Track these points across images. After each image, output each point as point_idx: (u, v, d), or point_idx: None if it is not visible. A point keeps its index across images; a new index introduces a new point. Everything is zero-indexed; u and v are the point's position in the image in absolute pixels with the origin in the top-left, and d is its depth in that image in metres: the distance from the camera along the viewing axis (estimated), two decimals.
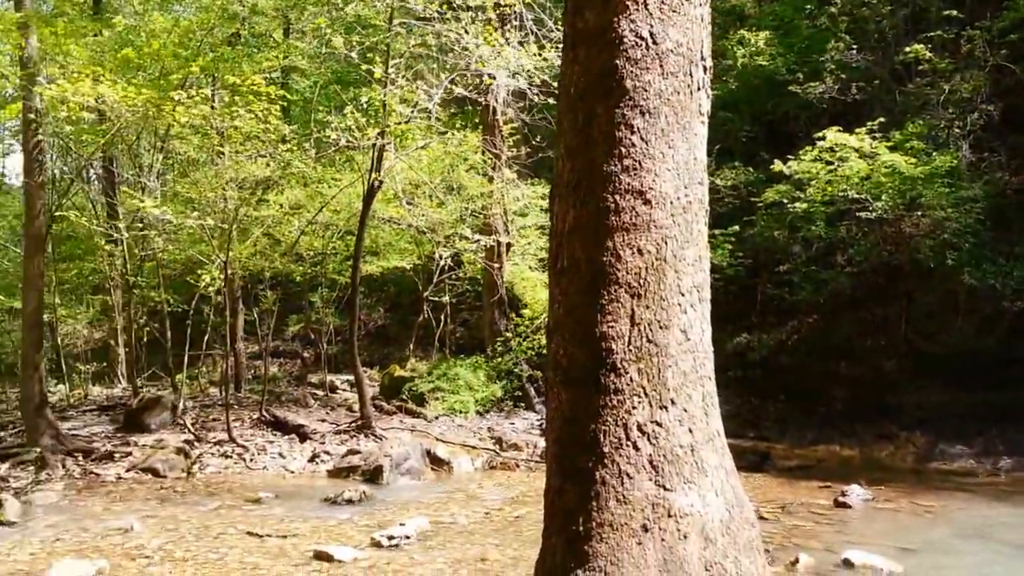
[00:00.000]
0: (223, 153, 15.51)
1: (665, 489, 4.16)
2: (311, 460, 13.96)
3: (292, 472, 13.57)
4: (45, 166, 15.06)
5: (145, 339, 19.22)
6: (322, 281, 19.46)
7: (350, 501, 11.12)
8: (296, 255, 18.08)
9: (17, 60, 14.46)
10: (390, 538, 8.85)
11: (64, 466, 13.29)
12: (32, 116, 14.01)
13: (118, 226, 17.59)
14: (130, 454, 13.93)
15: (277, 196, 16.87)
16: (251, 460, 13.92)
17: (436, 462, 13.63)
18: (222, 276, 15.76)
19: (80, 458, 13.70)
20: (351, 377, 17.47)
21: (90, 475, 13.11)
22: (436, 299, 19.53)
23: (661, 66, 4.28)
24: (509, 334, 17.60)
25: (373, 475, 12.60)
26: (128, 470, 13.28)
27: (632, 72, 4.26)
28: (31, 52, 13.91)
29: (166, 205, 16.06)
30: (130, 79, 14.21)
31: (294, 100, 20.83)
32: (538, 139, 18.23)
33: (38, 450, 13.46)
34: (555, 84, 14.98)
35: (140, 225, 17.55)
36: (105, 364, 20.32)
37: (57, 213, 16.58)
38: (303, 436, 14.96)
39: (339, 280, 19.07)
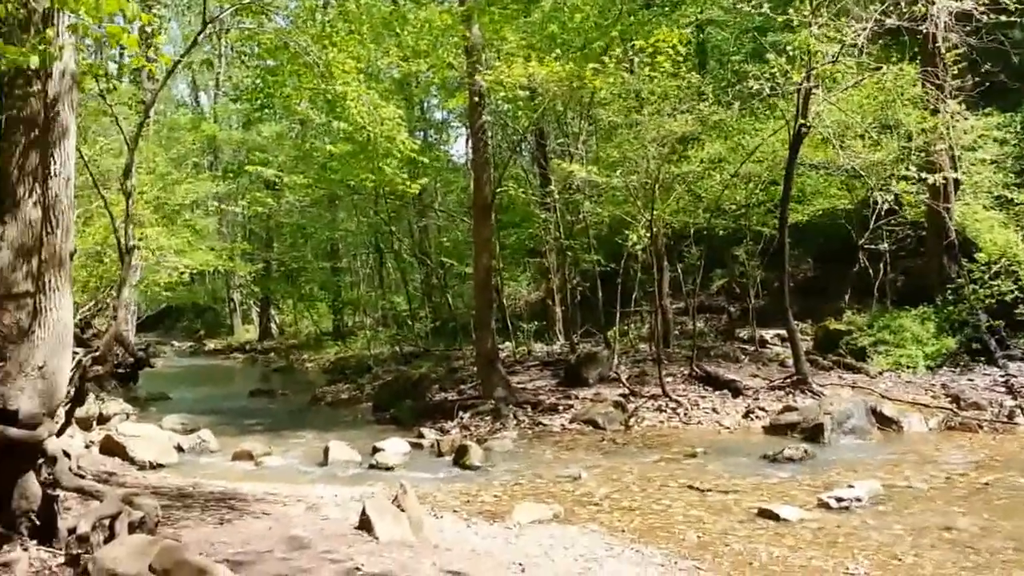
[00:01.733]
0: (643, 114, 15.79)
1: None
2: (745, 416, 13.88)
3: (726, 427, 13.59)
4: (488, 144, 16.49)
5: (578, 298, 20.38)
6: (746, 234, 19.10)
7: (790, 459, 10.86)
8: (719, 209, 17.95)
9: (462, 50, 15.88)
10: (839, 500, 8.47)
11: (515, 416, 14.60)
12: (476, 100, 15.43)
13: (550, 193, 18.80)
14: (571, 407, 14.91)
15: (697, 151, 16.84)
16: (685, 415, 14.17)
17: (883, 421, 12.78)
18: (647, 234, 16.13)
19: (528, 409, 14.95)
20: (780, 331, 17.02)
21: (538, 425, 14.26)
22: (872, 247, 18.19)
23: None
24: (961, 281, 15.82)
25: (812, 433, 12.16)
26: (571, 421, 14.22)
27: None
28: (475, 40, 15.24)
29: (592, 169, 16.76)
30: (556, 55, 14.98)
31: (711, 53, 20.57)
32: (988, 64, 16.02)
33: (493, 402, 14.94)
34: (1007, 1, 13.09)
35: (570, 191, 18.58)
36: (544, 322, 21.89)
37: (498, 186, 18.09)
38: (735, 391, 14.90)
39: (763, 232, 18.57)
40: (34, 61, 6.18)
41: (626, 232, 16.46)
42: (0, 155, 11.46)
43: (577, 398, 15.31)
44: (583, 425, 13.97)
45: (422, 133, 27.91)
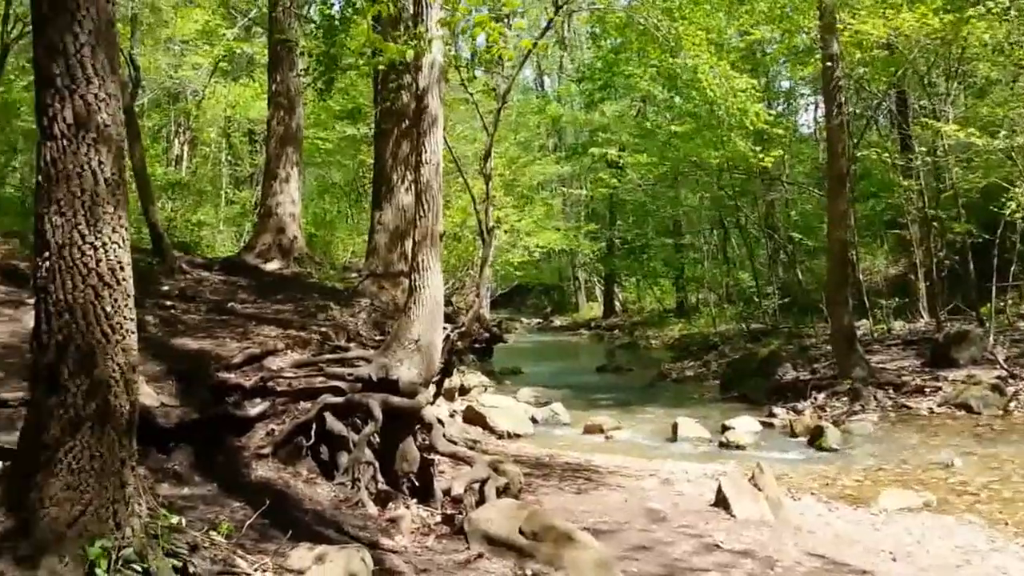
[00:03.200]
0: None
1: None
2: None
3: None
4: (842, 110, 15.57)
5: (945, 272, 18.68)
6: None
7: None
8: None
9: (815, 12, 15.00)
10: None
11: (875, 398, 13.71)
12: (829, 64, 14.62)
13: (912, 160, 17.36)
14: (939, 389, 13.72)
15: None
16: None
17: None
18: None
19: (890, 391, 13.98)
20: None
21: (901, 408, 13.30)
22: None
23: None
24: None
25: None
26: (940, 405, 13.10)
27: None
28: (828, 0, 14.35)
29: (970, 130, 15.17)
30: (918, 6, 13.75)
31: None
32: None
33: (850, 382, 14.15)
34: None
35: (935, 155, 17.05)
36: (905, 299, 20.35)
37: (855, 153, 17.02)
38: None
39: None
40: (410, 54, 6.68)
41: (1003, 199, 14.80)
42: (376, 145, 12.89)
43: (946, 380, 14.05)
44: (954, 409, 12.82)
45: (766, 104, 27.04)
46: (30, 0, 3.88)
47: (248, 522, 4.93)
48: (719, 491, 7.25)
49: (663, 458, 10.47)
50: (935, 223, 18.05)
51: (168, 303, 9.72)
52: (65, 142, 3.76)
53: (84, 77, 3.78)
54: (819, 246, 21.29)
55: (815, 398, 14.12)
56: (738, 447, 11.21)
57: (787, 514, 7.22)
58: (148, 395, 6.05)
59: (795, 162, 24.83)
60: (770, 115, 15.43)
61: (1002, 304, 17.47)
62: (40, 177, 3.80)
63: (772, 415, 13.19)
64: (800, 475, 9.46)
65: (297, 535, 4.90)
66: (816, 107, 28.58)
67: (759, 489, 7.32)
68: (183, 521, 4.23)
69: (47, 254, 3.78)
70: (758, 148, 16.51)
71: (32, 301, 7.69)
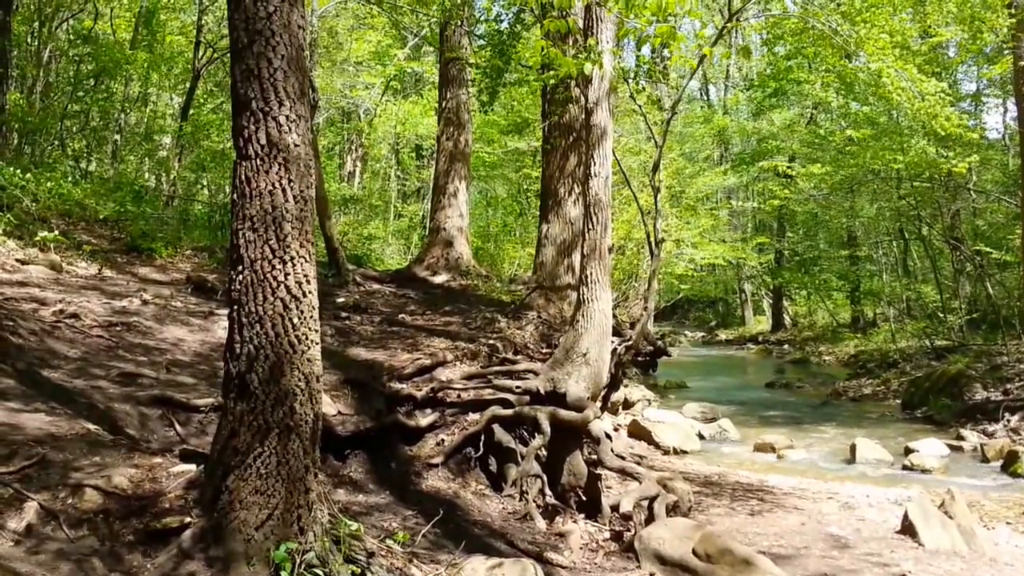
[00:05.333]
0: None
1: None
2: None
3: None
4: None
5: None
6: None
7: None
8: None
9: (1004, 8, 14.11)
10: None
11: None
12: (1023, 64, 13.58)
13: None
14: None
15: None
16: None
17: None
18: None
19: None
20: None
21: None
22: None
23: None
24: None
25: None
26: None
27: None
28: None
29: None
30: None
31: None
32: None
33: None
34: None
35: None
36: None
37: None
38: None
39: None
40: (587, 68, 6.65)
41: None
42: (544, 159, 12.96)
43: None
44: None
45: (951, 107, 25.44)
46: (229, 29, 4.12)
47: (422, 531, 5.02)
48: (905, 517, 6.87)
49: (841, 480, 9.99)
50: None
51: (343, 314, 10.08)
52: (259, 162, 3.96)
53: (277, 100, 3.97)
54: (1011, 259, 19.80)
55: (1008, 420, 13.12)
56: (923, 471, 10.55)
57: (981, 544, 6.75)
58: (326, 403, 6.29)
59: (982, 169, 23.25)
60: (962, 118, 14.44)
61: None
62: (235, 195, 4.02)
63: (961, 438, 12.35)
64: (994, 503, 8.80)
65: (468, 546, 4.96)
66: (1005, 110, 26.74)
67: (950, 517, 6.89)
68: (361, 528, 4.34)
69: (240, 268, 3.98)
70: (949, 154, 15.49)
71: (221, 312, 8.22)
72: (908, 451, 11.21)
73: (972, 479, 10.14)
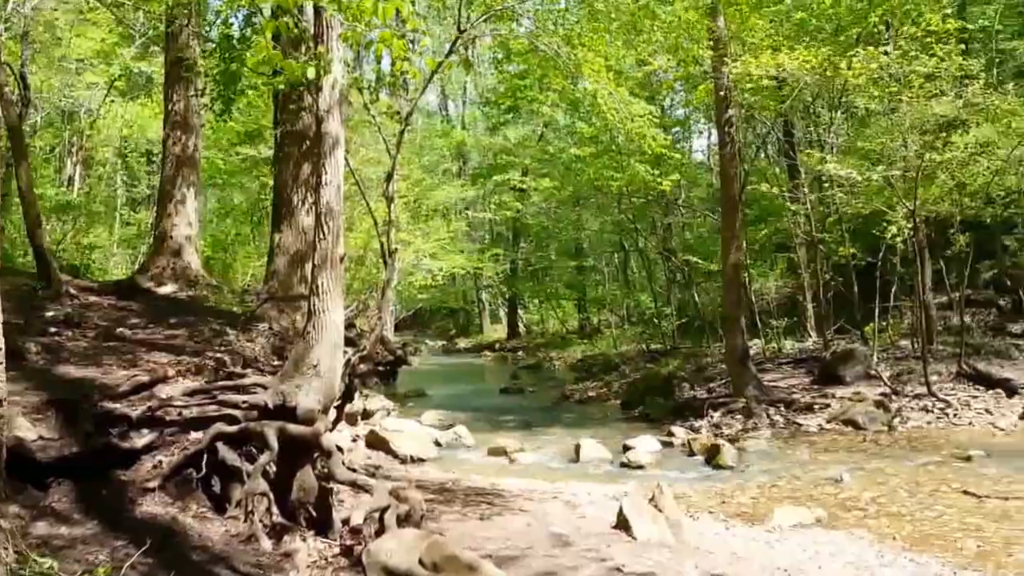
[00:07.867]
0: (902, 100, 14.80)
1: None
2: (1023, 417, 12.72)
3: (1001, 429, 12.52)
4: (734, 138, 16.07)
5: (831, 293, 19.47)
6: (1018, 222, 17.41)
7: None
8: (986, 197, 16.43)
9: (708, 43, 15.59)
10: None
11: (768, 416, 14.13)
12: (722, 94, 15.11)
13: (800, 186, 18.04)
14: (828, 406, 14.25)
15: (962, 137, 15.49)
16: (954, 415, 13.21)
17: None
18: (908, 225, 15.11)
19: (782, 408, 14.43)
20: None
21: (792, 425, 13.73)
22: None
23: None
24: None
25: None
26: (828, 421, 13.59)
27: None
28: (720, 33, 14.90)
29: (846, 160, 15.90)
30: (806, 44, 14.35)
31: (973, 31, 18.88)
32: None
33: (744, 400, 14.56)
34: None
35: (821, 182, 17.75)
36: (794, 319, 21.10)
37: (745, 181, 17.57)
38: (1011, 391, 13.79)
39: None
40: (311, 73, 6.55)
41: (884, 223, 15.51)
42: (276, 167, 12.69)
43: (834, 397, 14.62)
44: (842, 425, 13.33)
45: (662, 131, 27.78)
46: None
47: (129, 562, 4.74)
48: (620, 513, 7.28)
49: (566, 480, 10.47)
50: (821, 247, 18.81)
51: (52, 329, 9.31)
52: None
53: None
54: (715, 269, 21.93)
55: (711, 416, 14.45)
56: (638, 467, 11.31)
57: (686, 534, 7.30)
58: (25, 428, 5.79)
59: (691, 187, 25.56)
60: (666, 139, 15.86)
61: (884, 324, 18.29)
62: None
63: (671, 434, 13.38)
64: (698, 494, 9.62)
65: (184, 575, 4.74)
66: (710, 135, 29.50)
67: (659, 510, 7.40)
68: (55, 565, 4.03)
69: None
70: (656, 172, 16.89)
71: None
72: (626, 448, 11.97)
73: (680, 472, 11.02)
